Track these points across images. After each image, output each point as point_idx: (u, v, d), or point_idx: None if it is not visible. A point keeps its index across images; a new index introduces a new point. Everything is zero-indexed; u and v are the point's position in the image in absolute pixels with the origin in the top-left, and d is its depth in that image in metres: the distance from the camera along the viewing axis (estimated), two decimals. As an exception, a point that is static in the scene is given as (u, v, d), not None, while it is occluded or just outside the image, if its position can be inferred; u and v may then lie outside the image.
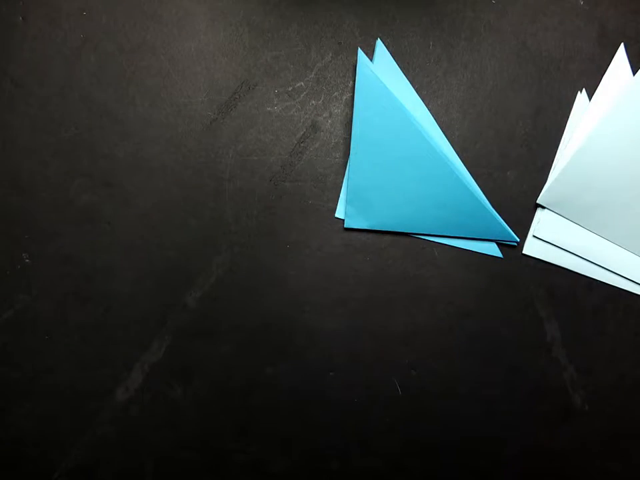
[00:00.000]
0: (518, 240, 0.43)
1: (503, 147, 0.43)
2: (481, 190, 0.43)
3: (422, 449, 0.44)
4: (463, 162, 0.43)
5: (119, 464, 0.43)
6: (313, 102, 0.43)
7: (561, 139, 0.44)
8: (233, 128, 0.43)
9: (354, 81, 0.43)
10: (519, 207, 0.43)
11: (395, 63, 0.43)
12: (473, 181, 0.43)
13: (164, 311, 0.44)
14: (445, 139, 0.43)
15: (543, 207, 0.43)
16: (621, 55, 0.43)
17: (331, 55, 0.43)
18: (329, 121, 0.43)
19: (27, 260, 0.44)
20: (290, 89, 0.43)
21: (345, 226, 0.43)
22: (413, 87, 0.43)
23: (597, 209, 0.42)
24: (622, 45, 0.43)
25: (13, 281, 0.44)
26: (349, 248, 0.44)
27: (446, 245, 0.43)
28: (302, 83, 0.43)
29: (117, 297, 0.44)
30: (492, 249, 0.43)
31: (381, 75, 0.41)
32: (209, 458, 0.43)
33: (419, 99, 0.43)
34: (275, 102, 0.43)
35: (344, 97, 0.43)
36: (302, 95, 0.43)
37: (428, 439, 0.44)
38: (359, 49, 0.41)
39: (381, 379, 0.44)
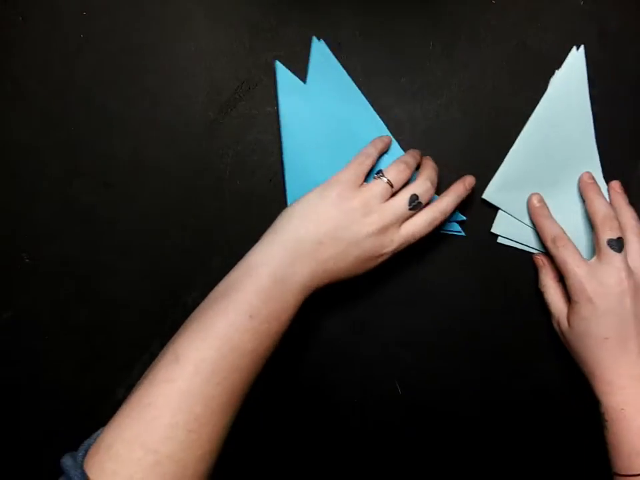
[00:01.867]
0: (459, 230, 0.43)
1: (503, 146, 0.43)
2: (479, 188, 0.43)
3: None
4: (462, 162, 0.43)
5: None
6: (313, 102, 0.43)
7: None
8: (233, 128, 0.43)
9: (354, 80, 0.43)
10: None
11: (334, 59, 0.42)
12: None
13: (164, 311, 0.44)
14: (384, 126, 0.42)
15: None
16: (578, 54, 0.43)
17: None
18: (329, 121, 0.43)
19: (27, 260, 0.43)
20: (290, 89, 0.43)
21: None
22: (409, 87, 0.43)
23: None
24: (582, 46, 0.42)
25: (12, 281, 0.44)
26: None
27: None
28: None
29: (117, 297, 0.44)
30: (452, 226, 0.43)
31: (314, 77, 0.42)
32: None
33: (360, 93, 0.42)
34: (275, 102, 0.43)
35: (344, 97, 0.43)
36: (302, 95, 0.43)
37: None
38: (276, 61, 0.41)
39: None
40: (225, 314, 0.33)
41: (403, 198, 0.37)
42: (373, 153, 0.39)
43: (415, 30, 0.43)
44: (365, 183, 0.37)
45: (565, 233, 0.39)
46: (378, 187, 0.37)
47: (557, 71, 0.42)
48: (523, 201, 0.43)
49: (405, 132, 0.43)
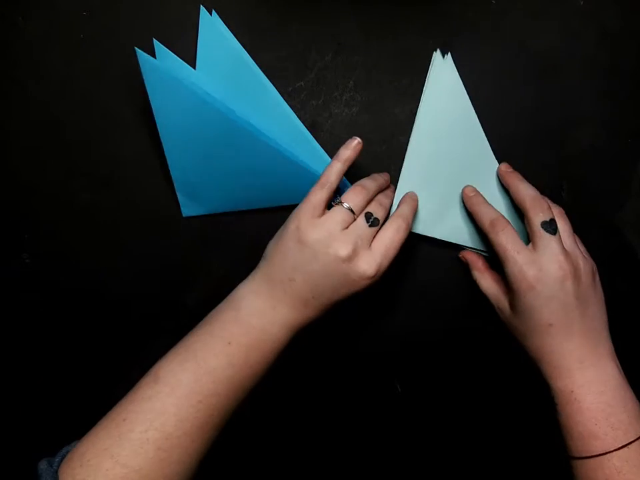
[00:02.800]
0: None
1: (503, 147, 0.43)
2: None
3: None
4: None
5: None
6: (313, 102, 0.43)
7: (559, 139, 0.44)
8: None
9: (354, 80, 0.43)
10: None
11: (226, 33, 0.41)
12: (311, 136, 0.41)
13: (164, 311, 0.44)
14: (279, 96, 0.41)
15: None
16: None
17: (330, 55, 0.43)
18: (329, 121, 0.43)
19: (27, 260, 0.44)
20: (290, 89, 0.43)
21: (183, 215, 0.43)
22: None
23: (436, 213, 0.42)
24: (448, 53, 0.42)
25: (13, 281, 0.44)
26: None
27: None
28: (302, 83, 0.43)
29: (117, 297, 0.44)
30: None
31: (172, 72, 0.39)
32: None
33: (247, 54, 0.41)
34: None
35: (344, 97, 0.43)
36: (302, 95, 0.43)
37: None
38: (136, 48, 0.38)
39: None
40: (205, 339, 0.34)
41: (360, 218, 0.36)
42: (332, 179, 0.36)
43: (415, 30, 0.43)
44: (326, 212, 0.36)
45: (502, 216, 0.38)
46: (338, 214, 0.35)
47: (427, 80, 0.42)
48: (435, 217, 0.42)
49: (405, 132, 0.43)
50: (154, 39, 0.39)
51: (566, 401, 0.35)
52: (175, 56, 0.40)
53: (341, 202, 0.36)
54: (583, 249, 0.39)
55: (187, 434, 0.31)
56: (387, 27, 0.43)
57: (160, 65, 0.38)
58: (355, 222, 0.36)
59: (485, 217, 0.38)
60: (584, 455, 0.34)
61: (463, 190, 0.41)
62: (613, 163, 0.44)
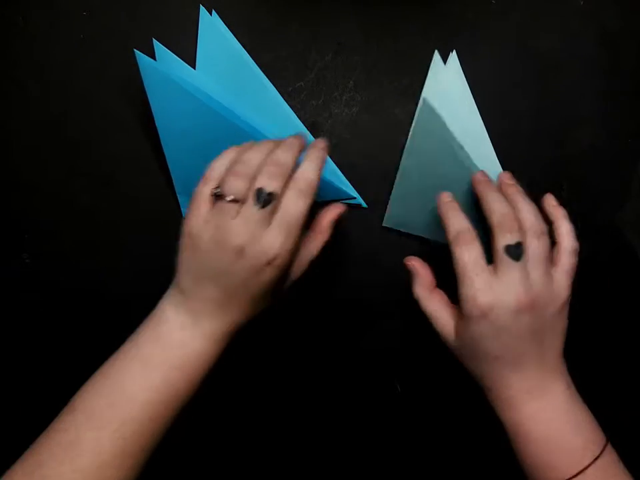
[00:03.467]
0: (356, 196, 0.42)
1: (503, 147, 0.43)
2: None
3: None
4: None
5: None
6: (313, 102, 0.43)
7: (560, 139, 0.44)
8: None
9: (354, 80, 0.43)
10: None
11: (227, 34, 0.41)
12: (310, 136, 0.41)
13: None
14: (279, 96, 0.41)
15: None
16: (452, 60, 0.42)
17: (331, 55, 0.43)
18: (329, 121, 0.43)
19: (27, 260, 0.44)
20: (290, 89, 0.43)
21: (183, 215, 0.41)
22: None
23: (431, 217, 0.41)
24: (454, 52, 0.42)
25: (13, 281, 0.44)
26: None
27: None
28: (302, 83, 0.43)
29: (117, 297, 0.44)
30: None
31: (171, 74, 0.39)
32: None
33: (247, 54, 0.41)
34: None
35: (344, 97, 0.43)
36: (302, 95, 0.43)
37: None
38: (135, 50, 0.38)
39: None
40: (122, 361, 0.33)
41: (248, 204, 0.31)
42: (214, 174, 0.33)
43: (415, 30, 0.43)
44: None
45: (472, 229, 0.33)
46: (222, 206, 0.32)
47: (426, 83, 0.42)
48: (422, 219, 0.42)
49: (405, 132, 0.43)
50: (154, 40, 0.39)
51: (515, 433, 0.33)
52: (175, 56, 0.40)
53: (219, 193, 0.32)
54: (564, 278, 0.34)
55: (106, 464, 0.29)
56: (387, 27, 0.43)
57: (159, 67, 0.38)
58: (245, 205, 0.31)
59: (453, 227, 0.34)
60: None
61: (439, 195, 0.36)
62: (612, 162, 0.44)
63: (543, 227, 0.33)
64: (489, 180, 0.37)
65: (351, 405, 0.44)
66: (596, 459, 0.31)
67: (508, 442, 0.44)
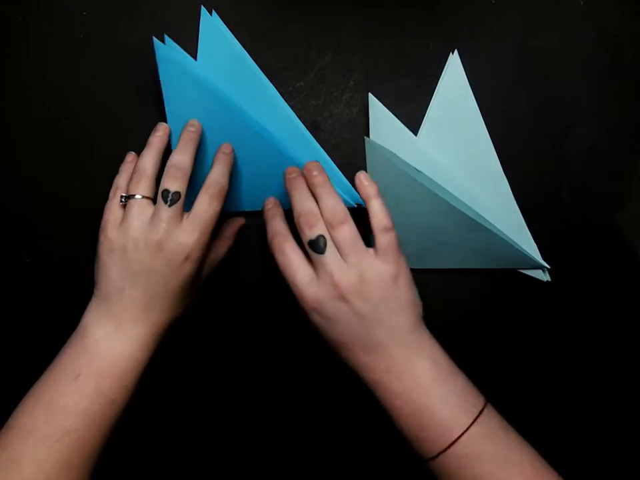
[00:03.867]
0: (357, 195, 0.40)
1: (503, 146, 0.43)
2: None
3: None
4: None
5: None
6: (313, 102, 0.43)
7: (560, 139, 0.44)
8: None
9: (354, 80, 0.43)
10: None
11: (226, 32, 0.41)
12: (311, 136, 0.41)
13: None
14: (279, 97, 0.41)
15: None
16: (454, 61, 0.42)
17: (331, 55, 0.43)
18: (329, 121, 0.43)
19: (27, 260, 0.43)
20: (290, 89, 0.43)
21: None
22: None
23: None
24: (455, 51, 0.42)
25: (13, 281, 0.44)
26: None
27: None
28: (302, 83, 0.43)
29: (117, 297, 0.44)
30: None
31: (187, 64, 0.39)
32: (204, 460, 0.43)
33: (247, 55, 0.41)
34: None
35: (344, 97, 0.43)
36: (302, 95, 0.43)
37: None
38: (153, 38, 0.38)
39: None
40: (54, 376, 0.33)
41: (158, 205, 0.34)
42: (119, 182, 0.38)
43: (415, 30, 0.43)
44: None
45: (288, 232, 0.35)
46: (131, 209, 0.35)
47: (440, 81, 0.42)
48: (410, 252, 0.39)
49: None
50: (165, 35, 0.39)
51: (389, 412, 0.33)
52: (185, 52, 0.40)
53: (128, 195, 0.35)
54: (385, 254, 0.33)
55: (50, 477, 0.30)
56: (387, 27, 0.43)
57: (176, 58, 0.39)
58: (155, 207, 0.35)
59: (272, 229, 0.36)
60: (431, 454, 0.32)
61: (285, 169, 0.37)
62: (612, 163, 0.44)
63: (342, 214, 0.33)
64: (297, 176, 0.36)
65: (351, 406, 0.44)
66: (469, 427, 0.31)
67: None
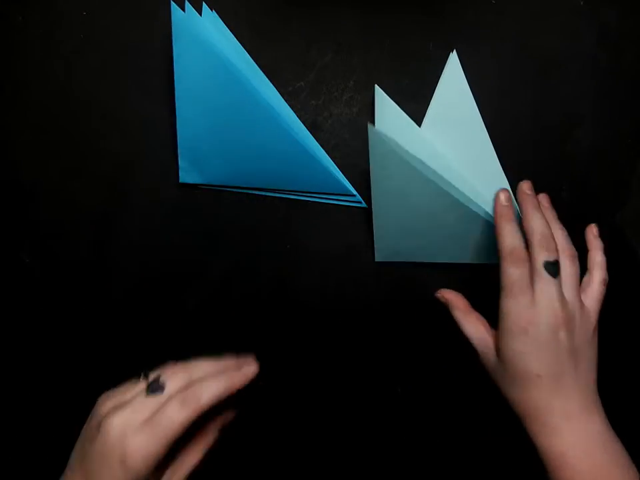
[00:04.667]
0: (355, 193, 0.42)
1: (503, 147, 0.43)
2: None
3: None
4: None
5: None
6: (313, 102, 0.43)
7: (559, 138, 0.44)
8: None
9: (354, 80, 0.43)
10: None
11: (220, 21, 0.41)
12: (310, 136, 0.42)
13: (164, 312, 0.44)
14: (280, 97, 0.42)
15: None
16: (453, 60, 0.42)
17: (330, 55, 0.43)
18: (329, 121, 0.43)
19: (27, 260, 0.44)
20: (290, 89, 0.43)
21: (180, 181, 0.42)
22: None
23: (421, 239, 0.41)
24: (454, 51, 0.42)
25: (13, 281, 0.44)
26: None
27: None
28: (302, 83, 0.43)
29: (117, 297, 0.44)
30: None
31: (204, 31, 0.39)
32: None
33: (247, 55, 0.42)
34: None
35: (344, 97, 0.43)
36: (302, 95, 0.43)
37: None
38: (172, 2, 0.38)
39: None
40: None
41: (142, 383, 0.33)
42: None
43: (415, 30, 0.43)
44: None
45: (524, 246, 0.34)
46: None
47: (439, 81, 0.42)
48: (410, 245, 0.41)
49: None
50: (186, 2, 0.38)
51: (559, 464, 0.32)
52: (204, 21, 0.39)
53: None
54: (593, 305, 0.35)
55: None
56: (387, 27, 0.43)
57: (192, 23, 0.38)
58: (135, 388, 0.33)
59: (507, 242, 0.34)
60: None
61: (496, 194, 0.37)
62: (612, 163, 0.44)
63: (575, 251, 0.36)
64: (533, 195, 0.37)
65: (351, 406, 0.44)
66: None
67: (508, 443, 0.44)
